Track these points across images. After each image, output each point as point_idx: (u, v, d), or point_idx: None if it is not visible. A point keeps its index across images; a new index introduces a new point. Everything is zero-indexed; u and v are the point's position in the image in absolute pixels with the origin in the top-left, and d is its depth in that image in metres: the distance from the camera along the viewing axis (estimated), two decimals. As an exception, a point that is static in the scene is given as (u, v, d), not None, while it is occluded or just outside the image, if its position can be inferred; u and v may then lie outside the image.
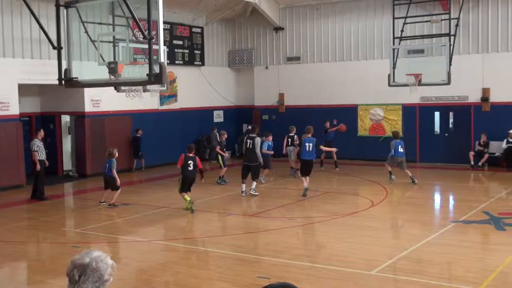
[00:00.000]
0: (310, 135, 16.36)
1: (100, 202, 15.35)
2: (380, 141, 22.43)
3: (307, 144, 16.19)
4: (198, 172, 14.61)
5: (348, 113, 24.07)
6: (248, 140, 16.36)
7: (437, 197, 17.07)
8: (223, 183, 18.50)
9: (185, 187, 14.50)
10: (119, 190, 15.22)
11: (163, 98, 23.53)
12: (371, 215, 13.89)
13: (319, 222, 13.00)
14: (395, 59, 18.15)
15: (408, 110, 22.97)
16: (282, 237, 11.86)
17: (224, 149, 18.86)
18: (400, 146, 17.93)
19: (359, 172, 20.66)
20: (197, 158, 14.59)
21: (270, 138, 18.14)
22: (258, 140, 16.25)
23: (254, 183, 16.39)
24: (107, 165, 15.28)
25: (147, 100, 19.91)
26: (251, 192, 16.28)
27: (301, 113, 24.98)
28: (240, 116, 27.07)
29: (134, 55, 14.53)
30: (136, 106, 20.94)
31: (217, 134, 20.03)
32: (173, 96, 24.13)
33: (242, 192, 16.32)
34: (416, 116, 22.86)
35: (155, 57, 8.87)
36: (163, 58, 8.77)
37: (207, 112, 25.76)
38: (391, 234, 11.93)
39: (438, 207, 15.63)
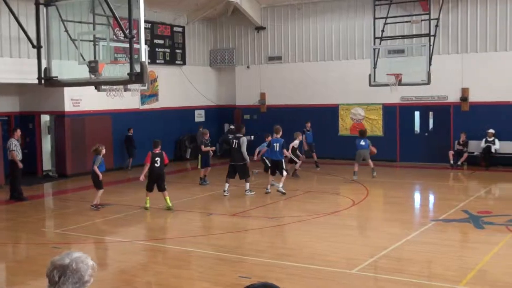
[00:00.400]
0: (278, 136, 16.49)
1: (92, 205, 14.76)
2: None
3: (274, 144, 16.33)
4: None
5: (329, 112, 24.16)
6: (234, 140, 16.35)
7: (417, 196, 17.20)
8: (204, 183, 18.23)
9: (151, 184, 14.44)
10: (101, 190, 14.73)
11: (144, 98, 23.42)
12: (352, 214, 13.97)
13: (301, 221, 13.03)
14: (375, 59, 18.25)
15: (388, 110, 23.12)
16: (263, 236, 11.87)
17: (209, 145, 18.22)
18: (362, 140, 18.46)
19: (340, 171, 20.74)
20: (164, 154, 14.53)
21: (269, 138, 17.42)
22: (243, 139, 16.22)
23: (247, 184, 16.29)
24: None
25: (128, 100, 19.79)
26: (246, 194, 16.17)
27: (282, 112, 25.00)
28: (222, 116, 27.03)
29: (115, 54, 14.45)
30: (117, 105, 20.81)
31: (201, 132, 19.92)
32: (154, 96, 24.03)
33: (224, 191, 16.31)
34: (396, 115, 23.01)
35: (136, 56, 8.82)
36: (144, 57, 8.73)
37: (188, 112, 25.69)
38: (371, 233, 12.00)
39: (418, 206, 15.75)
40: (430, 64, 17.88)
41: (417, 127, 22.90)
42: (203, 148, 18.07)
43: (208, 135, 18.66)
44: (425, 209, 15.16)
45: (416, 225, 12.88)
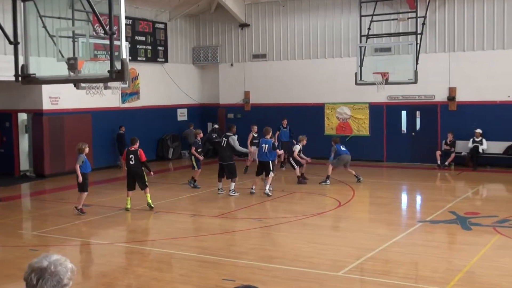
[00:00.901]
0: (268, 137, 16.48)
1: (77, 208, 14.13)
2: (347, 140, 22.61)
3: (263, 145, 16.34)
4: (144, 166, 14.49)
5: (315, 111, 24.21)
6: (224, 139, 16.43)
7: (404, 197, 17.29)
8: (194, 187, 17.65)
9: (129, 182, 14.43)
10: (86, 193, 14.15)
11: (125, 96, 23.32)
12: (338, 215, 14.01)
13: (286, 222, 13.04)
14: (362, 57, 18.30)
15: (375, 109, 23.22)
16: (248, 238, 11.86)
17: (200, 151, 17.77)
18: (342, 146, 18.55)
19: (326, 171, 20.79)
20: (140, 151, 14.41)
21: (269, 136, 16.82)
22: (233, 138, 16.37)
23: (233, 184, 16.28)
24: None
25: (108, 98, 19.64)
26: (230, 194, 16.19)
27: (267, 111, 25.02)
28: (205, 115, 26.98)
29: (95, 51, 14.37)
30: (96, 103, 20.69)
31: (193, 132, 19.65)
32: (135, 94, 23.93)
33: (218, 189, 16.53)
34: (383, 115, 23.12)
35: (116, 53, 8.77)
36: (125, 54, 8.68)
37: (170, 110, 25.62)
38: (358, 235, 12.04)
39: (405, 207, 15.83)
40: (417, 63, 17.97)
41: (404, 127, 23.02)
42: (193, 151, 17.50)
43: (201, 135, 18.08)
44: (412, 210, 15.24)
45: (403, 226, 12.94)
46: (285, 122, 21.87)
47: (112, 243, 11.62)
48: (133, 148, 14.50)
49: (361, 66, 18.24)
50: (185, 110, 26.50)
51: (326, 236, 11.96)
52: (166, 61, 25.27)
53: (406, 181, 19.15)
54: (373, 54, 21.11)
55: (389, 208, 14.77)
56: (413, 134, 22.74)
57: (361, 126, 23.34)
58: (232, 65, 26.24)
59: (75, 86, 13.77)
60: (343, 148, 18.51)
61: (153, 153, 24.36)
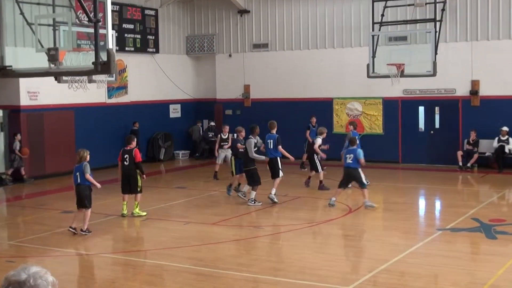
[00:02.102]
0: (273, 131, 16.25)
1: (71, 228, 12.86)
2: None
3: (268, 141, 16.10)
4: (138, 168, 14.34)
5: (323, 107, 24.19)
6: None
7: (422, 202, 17.28)
8: (241, 196, 16.20)
9: (124, 185, 14.43)
10: (90, 210, 13.05)
11: (111, 90, 23.31)
12: (348, 222, 13.99)
13: (290, 231, 13.03)
14: (374, 47, 18.30)
15: (389, 105, 23.21)
16: (247, 248, 11.85)
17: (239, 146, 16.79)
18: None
19: (334, 174, 20.72)
20: (135, 151, 14.29)
21: (274, 131, 16.37)
22: (249, 141, 15.94)
23: (253, 193, 15.78)
24: (78, 173, 12.94)
25: (93, 92, 19.69)
26: (249, 204, 15.76)
27: (269, 107, 25.00)
28: (200, 111, 26.97)
29: (78, 40, 14.39)
30: (80, 99, 20.67)
31: (208, 129, 19.09)
32: (122, 88, 23.93)
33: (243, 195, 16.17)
34: (398, 111, 23.11)
35: (102, 43, 8.78)
36: (111, 44, 8.68)
37: (162, 106, 25.62)
38: (370, 244, 12.03)
39: (423, 213, 15.82)
40: (436, 53, 17.97)
41: (421, 124, 23.01)
42: (240, 146, 16.58)
43: (243, 132, 17.13)
44: (430, 217, 15.23)
45: (420, 235, 12.93)
46: (314, 120, 21.71)
47: (98, 253, 11.61)
48: (128, 148, 14.46)
49: (373, 57, 18.23)
50: (178, 106, 26.49)
51: (335, 246, 11.94)
52: (157, 51, 25.26)
53: (424, 184, 19.13)
54: (387, 44, 21.08)
55: (405, 214, 14.76)
56: (432, 132, 22.72)
57: (374, 124, 23.33)
58: (230, 56, 26.23)
59: (56, 79, 13.75)
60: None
61: (143, 154, 24.31)
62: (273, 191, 15.88)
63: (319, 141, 17.83)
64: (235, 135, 17.85)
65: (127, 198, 14.52)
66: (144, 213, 14.57)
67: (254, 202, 15.70)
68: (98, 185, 13.11)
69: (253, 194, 15.78)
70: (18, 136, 19.91)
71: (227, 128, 19.74)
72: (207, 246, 11.95)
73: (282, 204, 15.97)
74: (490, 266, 10.28)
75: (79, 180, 12.93)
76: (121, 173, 14.57)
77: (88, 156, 13.06)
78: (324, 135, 18.18)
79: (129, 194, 14.49)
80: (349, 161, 15.10)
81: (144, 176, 14.69)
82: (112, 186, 19.33)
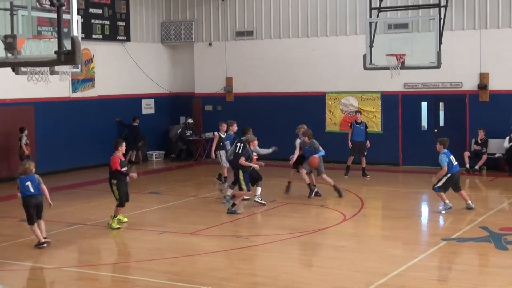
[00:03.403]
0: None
1: (40, 244, 12.70)
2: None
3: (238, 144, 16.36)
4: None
5: (314, 103, 24.21)
6: (238, 144, 16.31)
7: (424, 209, 17.33)
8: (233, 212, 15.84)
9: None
10: (34, 226, 12.84)
11: (76, 83, 23.20)
12: (342, 231, 14.01)
13: (278, 241, 13.02)
14: (372, 36, 18.33)
15: (388, 100, 23.25)
16: (230, 260, 11.84)
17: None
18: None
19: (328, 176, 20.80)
20: (111, 159, 14.13)
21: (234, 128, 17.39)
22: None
23: (259, 189, 16.42)
24: (28, 182, 12.68)
25: (55, 86, 19.54)
26: (256, 199, 16.39)
27: (253, 103, 24.98)
28: (176, 107, 26.90)
29: (39, 26, 14.26)
30: (41, 93, 20.56)
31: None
32: (89, 81, 23.83)
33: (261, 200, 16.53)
34: (398, 107, 23.16)
35: (65, 30, 8.73)
36: (76, 31, 8.64)
37: (133, 101, 25.53)
38: (367, 256, 12.05)
39: (426, 221, 15.86)
40: (440, 43, 18.03)
41: (424, 122, 23.07)
42: (244, 161, 15.96)
43: (255, 143, 16.43)
44: (434, 226, 15.27)
45: (423, 245, 12.97)
46: (359, 116, 21.40)
47: (61, 267, 11.55)
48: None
49: (371, 46, 18.28)
50: (152, 101, 26.41)
51: (328, 258, 11.95)
52: (128, 39, 25.17)
53: (427, 189, 19.12)
54: (386, 32, 21.14)
55: (406, 223, 14.79)
56: (436, 131, 22.79)
57: (371, 121, 23.38)
58: (210, 44, 26.18)
59: (13, 70, 13.67)
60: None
61: (109, 155, 24.23)
62: (259, 191, 16.36)
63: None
64: (223, 132, 18.29)
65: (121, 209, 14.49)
66: (118, 226, 14.23)
67: (261, 199, 16.39)
68: (51, 204, 12.95)
69: (259, 190, 16.39)
70: None
71: (224, 126, 19.15)
72: (184, 259, 11.92)
73: (269, 211, 15.97)
74: (500, 280, 10.33)
75: (32, 190, 12.70)
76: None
77: (34, 169, 12.94)
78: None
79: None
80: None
81: (133, 175, 14.73)
82: (74, 191, 19.27)
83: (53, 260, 12.08)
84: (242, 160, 15.79)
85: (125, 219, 14.67)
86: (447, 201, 15.30)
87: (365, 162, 20.63)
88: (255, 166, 16.11)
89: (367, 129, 21.19)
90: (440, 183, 15.34)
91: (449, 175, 15.33)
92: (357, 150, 20.79)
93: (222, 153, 18.62)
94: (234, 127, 18.30)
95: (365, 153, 20.65)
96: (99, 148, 22.76)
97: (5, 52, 9.37)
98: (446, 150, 15.64)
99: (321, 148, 17.06)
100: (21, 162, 19.20)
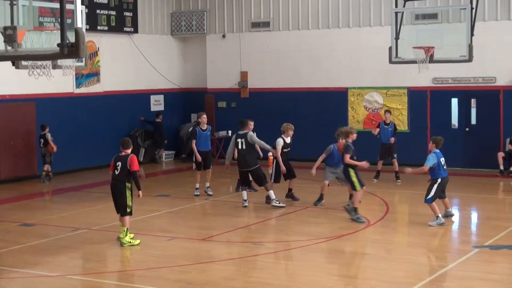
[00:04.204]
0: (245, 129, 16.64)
1: None
2: (378, 137, 22.60)
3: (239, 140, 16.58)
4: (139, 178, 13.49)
5: (335, 99, 24.17)
6: (239, 140, 16.38)
7: (455, 214, 17.27)
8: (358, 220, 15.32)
9: (114, 203, 13.66)
10: None
11: (80, 78, 23.28)
12: (366, 238, 13.98)
13: (296, 248, 13.01)
14: (398, 27, 18.28)
15: (416, 96, 23.18)
16: (244, 269, 11.83)
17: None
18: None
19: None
20: (131, 157, 13.31)
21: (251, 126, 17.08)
22: (251, 134, 16.53)
23: (271, 192, 16.65)
24: None
25: (58, 81, 19.63)
26: (275, 204, 16.53)
27: (270, 99, 24.97)
28: (187, 103, 26.93)
29: (40, 17, 14.31)
30: (42, 88, 20.65)
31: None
32: (94, 75, 23.89)
33: (244, 201, 16.78)
34: (426, 104, 23.09)
35: (69, 21, 8.75)
36: (80, 22, 8.66)
37: (141, 97, 25.58)
38: (392, 265, 12.01)
39: (456, 227, 15.79)
40: (472, 34, 17.94)
41: (454, 120, 23.00)
42: (350, 160, 15.43)
43: (354, 135, 16.03)
44: (465, 232, 15.22)
45: (453, 253, 12.92)
46: (388, 116, 20.79)
47: (64, 275, 11.58)
48: (123, 153, 13.45)
49: (397, 38, 18.21)
50: (161, 97, 26.45)
51: (351, 267, 11.91)
52: (136, 31, 25.22)
53: (458, 192, 19.11)
54: (414, 23, 21.07)
55: (434, 228, 14.73)
56: (467, 129, 22.72)
57: (397, 119, 23.29)
58: (224, 36, 26.20)
59: (13, 64, 13.72)
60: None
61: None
62: (272, 194, 16.65)
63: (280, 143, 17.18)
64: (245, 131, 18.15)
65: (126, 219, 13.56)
66: (138, 241, 13.48)
67: (279, 202, 16.62)
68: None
69: (272, 193, 16.58)
70: None
71: (251, 124, 18.92)
72: (196, 266, 11.92)
73: (287, 215, 15.96)
74: (538, 292, 10.28)
75: None
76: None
77: None
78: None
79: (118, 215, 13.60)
80: None
81: (140, 192, 13.63)
82: (78, 194, 19.33)
83: (56, 268, 12.10)
84: (348, 158, 15.32)
85: (138, 241, 13.51)
86: (440, 215, 14.74)
87: (397, 164, 20.30)
88: (362, 164, 15.56)
89: (396, 131, 20.74)
90: (432, 193, 14.70)
91: (438, 180, 14.80)
92: (386, 153, 20.50)
93: None
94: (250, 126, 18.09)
95: (395, 156, 20.30)
96: (104, 148, 22.82)
97: (5, 45, 9.42)
98: (438, 151, 15.17)
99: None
100: (45, 160, 20.58)
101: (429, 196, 14.69)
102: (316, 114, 23.90)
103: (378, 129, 20.45)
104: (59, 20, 8.84)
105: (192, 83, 27.19)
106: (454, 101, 22.92)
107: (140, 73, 25.48)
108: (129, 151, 13.44)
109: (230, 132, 25.19)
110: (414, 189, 18.64)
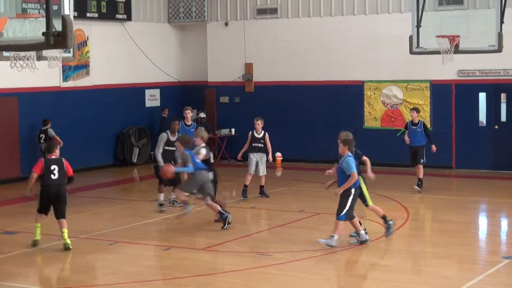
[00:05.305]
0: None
1: None
2: (398, 135, 22.59)
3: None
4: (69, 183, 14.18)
5: (350, 94, 24.17)
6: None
7: (483, 221, 17.24)
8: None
9: (44, 204, 13.99)
10: None
11: (68, 71, 23.31)
12: (385, 248, 13.97)
13: (307, 258, 13.01)
14: (420, 14, 18.25)
15: (439, 90, 23.17)
16: (249, 281, 11.83)
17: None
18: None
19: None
20: (65, 161, 14.08)
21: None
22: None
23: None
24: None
25: (43, 73, 19.63)
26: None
27: (277, 93, 24.96)
28: (186, 98, 26.92)
29: (24, 4, 14.35)
30: (26, 82, 20.68)
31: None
32: (83, 67, 23.92)
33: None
34: (451, 99, 23.08)
35: (55, 7, 8.75)
36: (67, 8, 8.67)
37: (135, 92, 25.60)
38: (414, 277, 12.01)
39: (484, 236, 15.79)
40: (502, 22, 17.90)
41: (482, 117, 22.97)
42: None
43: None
44: (494, 241, 15.18)
45: (481, 264, 12.91)
46: (415, 115, 19.96)
47: (49, 289, 11.61)
48: (54, 156, 14.08)
49: (418, 26, 18.18)
50: (157, 91, 26.48)
51: (368, 279, 11.90)
52: (129, 18, 25.24)
53: (486, 197, 19.10)
54: (437, 9, 21.04)
55: (460, 237, 14.73)
56: (496, 127, 22.70)
57: (420, 116, 23.27)
58: (226, 24, 26.21)
59: (-6, 55, 13.73)
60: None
61: (110, 156, 24.33)
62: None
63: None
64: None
65: (42, 219, 14.11)
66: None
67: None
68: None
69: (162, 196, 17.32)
70: None
71: (261, 122, 18.85)
72: (195, 279, 11.92)
73: (297, 222, 15.95)
74: None
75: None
76: (43, 190, 13.91)
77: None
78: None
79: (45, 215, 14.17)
80: None
81: (68, 195, 14.47)
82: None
83: (41, 280, 12.11)
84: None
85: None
86: (362, 231, 13.84)
87: (423, 172, 19.69)
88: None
89: (428, 130, 20.03)
90: (346, 209, 13.32)
91: (352, 191, 13.39)
92: (413, 157, 19.73)
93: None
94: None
95: (422, 161, 19.62)
96: (94, 148, 22.89)
97: (-16, 34, 9.42)
98: (350, 154, 13.53)
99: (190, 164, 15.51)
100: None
101: (343, 214, 13.38)
102: (328, 111, 23.88)
103: (408, 139, 19.72)
104: (44, 6, 8.84)
105: (191, 76, 27.21)
106: (482, 96, 22.90)
107: (134, 65, 25.50)
108: (57, 154, 14.19)
109: (233, 130, 25.21)
110: (437, 194, 18.62)
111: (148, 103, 26.11)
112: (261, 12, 25.67)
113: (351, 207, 13.41)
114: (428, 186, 19.47)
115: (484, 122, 22.98)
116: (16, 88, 21.35)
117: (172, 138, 17.37)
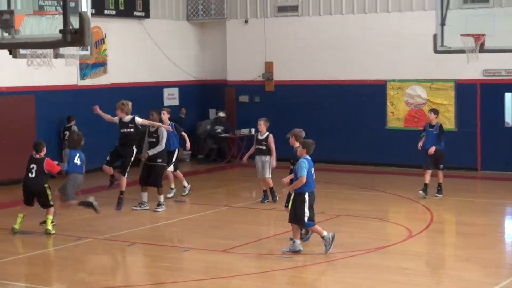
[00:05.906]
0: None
1: None
2: (421, 136, 22.55)
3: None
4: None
5: (372, 93, 24.11)
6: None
7: (508, 224, 17.17)
8: None
9: (26, 197, 15.18)
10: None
11: (85, 69, 23.37)
12: (407, 251, 13.92)
13: (327, 261, 13.01)
14: (444, 12, 18.20)
15: (464, 90, 23.08)
16: (269, 284, 11.83)
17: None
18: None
19: (388, 183, 20.69)
20: (47, 160, 15.03)
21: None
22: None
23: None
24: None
25: (60, 72, 19.73)
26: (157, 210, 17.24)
27: (298, 93, 24.94)
28: (205, 98, 26.97)
29: (41, 1, 14.40)
30: (43, 80, 20.75)
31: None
32: (100, 65, 23.98)
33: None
34: (476, 99, 22.99)
35: (72, 4, 8.79)
36: (85, 5, 8.70)
37: (153, 91, 25.62)
38: (437, 281, 11.97)
39: (510, 239, 15.73)
40: (529, 20, 17.87)
41: (508, 118, 22.88)
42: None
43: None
44: (520, 245, 15.17)
45: (507, 269, 12.86)
46: (433, 117, 19.28)
47: (65, 290, 11.67)
48: (37, 156, 15.15)
49: (443, 24, 18.14)
50: (175, 90, 26.50)
51: (390, 283, 11.87)
52: (147, 16, 25.29)
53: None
54: (462, 7, 20.91)
55: (484, 241, 14.67)
56: (523, 128, 22.64)
57: (443, 116, 23.18)
58: (246, 22, 26.22)
59: (10, 53, 13.80)
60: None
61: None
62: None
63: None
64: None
65: (26, 210, 15.23)
66: (54, 232, 15.07)
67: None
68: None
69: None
70: None
71: (264, 123, 18.71)
72: (215, 281, 11.94)
73: (318, 224, 15.92)
74: None
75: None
76: (23, 185, 15.29)
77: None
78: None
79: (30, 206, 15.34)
80: None
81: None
82: (84, 198, 19.36)
83: (56, 282, 12.16)
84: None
85: (54, 232, 15.11)
86: (298, 241, 13.47)
87: (442, 176, 19.17)
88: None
89: (442, 134, 19.19)
90: (307, 215, 13.20)
91: (306, 196, 13.19)
92: (431, 161, 19.04)
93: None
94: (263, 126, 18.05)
95: (441, 166, 19.01)
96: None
97: (1, 31, 9.47)
98: (309, 157, 13.27)
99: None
100: None
101: (306, 221, 13.23)
102: (350, 111, 23.82)
103: (421, 142, 19.21)
104: (61, 3, 8.88)
105: (210, 74, 27.21)
106: (508, 96, 22.82)
107: (152, 64, 25.54)
108: (42, 154, 15.19)
109: (253, 130, 25.19)
110: (462, 196, 18.56)
111: (167, 102, 26.11)
112: (282, 9, 25.66)
113: (311, 210, 13.30)
114: (452, 188, 19.39)
115: (510, 123, 22.89)
116: (33, 86, 21.42)
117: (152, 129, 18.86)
